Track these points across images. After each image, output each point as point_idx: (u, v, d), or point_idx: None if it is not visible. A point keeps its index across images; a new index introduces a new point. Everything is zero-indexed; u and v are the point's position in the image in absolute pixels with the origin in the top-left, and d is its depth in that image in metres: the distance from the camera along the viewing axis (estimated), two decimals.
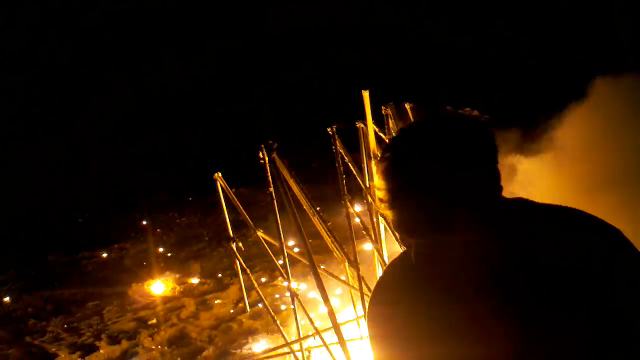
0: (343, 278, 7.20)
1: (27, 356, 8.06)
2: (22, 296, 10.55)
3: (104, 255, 12.46)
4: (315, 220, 6.64)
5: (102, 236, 13.52)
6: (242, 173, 8.72)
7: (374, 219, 6.88)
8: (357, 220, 6.97)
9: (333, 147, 6.64)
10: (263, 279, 9.81)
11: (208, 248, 12.20)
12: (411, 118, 6.89)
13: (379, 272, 6.99)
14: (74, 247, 12.99)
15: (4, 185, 16.73)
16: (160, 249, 12.48)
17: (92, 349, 8.09)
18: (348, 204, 6.55)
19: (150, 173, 18.06)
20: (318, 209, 6.66)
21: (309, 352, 7.13)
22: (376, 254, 6.86)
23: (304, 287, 9.00)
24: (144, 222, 14.31)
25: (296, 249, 7.67)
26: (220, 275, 10.53)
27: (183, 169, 17.83)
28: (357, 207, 7.36)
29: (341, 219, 7.48)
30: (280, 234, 6.56)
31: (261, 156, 6.26)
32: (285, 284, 8.98)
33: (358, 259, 6.51)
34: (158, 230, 13.68)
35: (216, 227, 13.03)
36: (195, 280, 10.44)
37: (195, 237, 13.05)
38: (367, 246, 7.81)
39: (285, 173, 6.36)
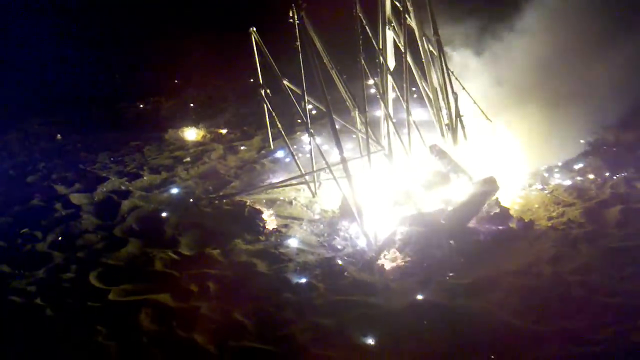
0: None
1: (83, 179, 9.52)
2: (71, 135, 11.97)
3: (141, 106, 13.76)
4: (333, 72, 7.79)
5: (138, 90, 14.74)
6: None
7: (384, 77, 8.03)
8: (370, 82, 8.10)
9: (354, 11, 7.66)
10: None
11: (233, 107, 13.41)
12: None
13: (384, 124, 8.22)
14: (113, 98, 14.29)
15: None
16: (191, 104, 13.72)
17: (136, 176, 9.52)
18: (362, 61, 7.66)
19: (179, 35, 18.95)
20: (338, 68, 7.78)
21: (320, 182, 8.51)
22: (382, 106, 8.06)
23: (320, 139, 10.24)
24: (176, 81, 15.48)
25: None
26: (245, 128, 11.82)
27: (213, 30, 18.67)
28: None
29: (357, 87, 8.54)
30: (303, 83, 7.74)
31: (291, 15, 7.33)
32: (304, 137, 10.29)
33: (367, 108, 7.71)
34: (189, 88, 14.85)
35: (241, 91, 14.19)
36: (223, 130, 11.76)
37: (223, 97, 14.23)
38: (377, 112, 8.97)
39: (310, 30, 7.45)
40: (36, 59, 17.72)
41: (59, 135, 11.87)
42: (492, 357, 5.24)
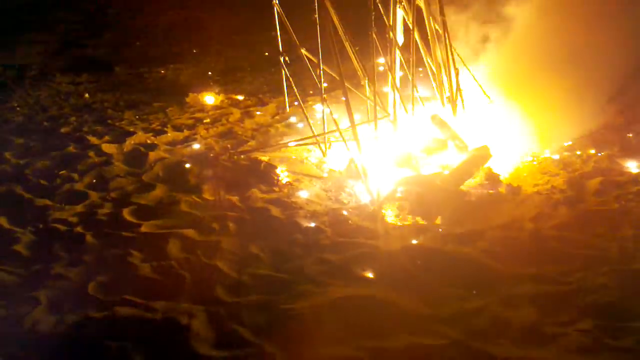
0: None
1: (111, 132, 10.35)
2: (97, 94, 12.79)
3: (162, 71, 14.56)
4: (347, 44, 8.57)
5: (158, 58, 15.55)
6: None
7: (392, 50, 8.82)
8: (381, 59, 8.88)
9: None
10: (295, 103, 11.87)
11: (249, 76, 14.19)
12: None
13: (391, 93, 9.02)
14: (135, 63, 15.10)
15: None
16: (209, 73, 14.51)
17: (161, 132, 10.35)
18: (374, 35, 8.44)
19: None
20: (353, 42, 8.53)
21: (330, 144, 9.34)
22: (389, 76, 8.85)
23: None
24: (195, 51, 16.27)
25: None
26: (260, 95, 12.63)
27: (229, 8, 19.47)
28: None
29: (368, 59, 9.25)
30: (319, 52, 8.51)
31: None
32: (316, 106, 11.09)
33: (375, 78, 8.51)
34: (207, 58, 15.63)
35: (256, 62, 15.00)
36: (240, 97, 12.56)
37: (239, 67, 15.00)
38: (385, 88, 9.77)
39: (328, 4, 8.21)
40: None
41: (86, 94, 12.68)
42: (474, 292, 6.08)
